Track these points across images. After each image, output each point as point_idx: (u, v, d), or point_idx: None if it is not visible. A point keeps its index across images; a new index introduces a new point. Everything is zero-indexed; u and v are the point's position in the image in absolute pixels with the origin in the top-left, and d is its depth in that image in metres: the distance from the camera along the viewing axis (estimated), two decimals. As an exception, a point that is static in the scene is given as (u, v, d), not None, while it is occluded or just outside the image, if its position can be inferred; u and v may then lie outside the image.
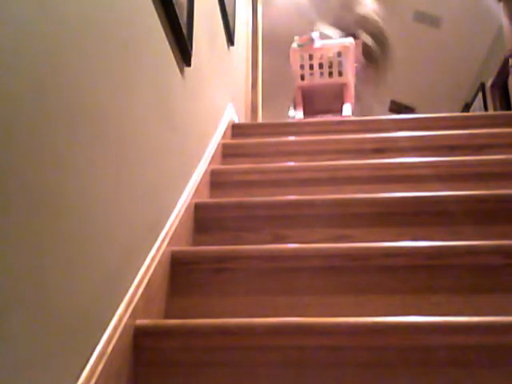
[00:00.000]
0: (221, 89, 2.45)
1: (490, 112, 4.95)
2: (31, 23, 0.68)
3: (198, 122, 1.85)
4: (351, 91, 3.09)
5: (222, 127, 2.32)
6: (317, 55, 3.02)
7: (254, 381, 0.98)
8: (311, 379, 0.98)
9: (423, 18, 5.14)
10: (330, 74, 3.03)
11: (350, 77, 3.02)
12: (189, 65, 1.63)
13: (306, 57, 3.05)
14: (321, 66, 3.03)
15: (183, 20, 1.53)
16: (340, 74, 3.02)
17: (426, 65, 5.51)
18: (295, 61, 3.08)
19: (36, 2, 0.70)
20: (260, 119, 4.11)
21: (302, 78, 3.10)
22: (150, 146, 1.21)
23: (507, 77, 4.47)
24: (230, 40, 2.79)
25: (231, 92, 2.84)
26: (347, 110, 3.01)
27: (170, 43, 1.43)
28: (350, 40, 3.12)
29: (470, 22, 4.78)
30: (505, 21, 2.95)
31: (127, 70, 1.07)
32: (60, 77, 0.76)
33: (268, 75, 4.30)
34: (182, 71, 1.57)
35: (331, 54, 3.01)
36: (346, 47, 3.01)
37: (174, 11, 1.39)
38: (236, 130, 2.60)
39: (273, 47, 4.19)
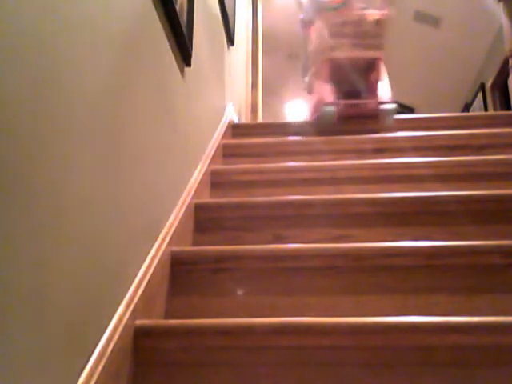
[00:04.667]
0: (221, 89, 2.45)
1: (490, 112, 4.95)
2: (31, 22, 0.68)
3: (198, 122, 1.85)
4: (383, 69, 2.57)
5: (222, 127, 2.32)
6: (351, 22, 2.45)
7: (254, 381, 0.98)
8: (311, 379, 0.98)
9: (423, 18, 5.14)
10: (365, 45, 2.47)
11: (384, 51, 2.52)
12: (189, 65, 1.63)
13: (340, 23, 2.45)
14: (355, 35, 2.47)
15: (183, 20, 1.53)
16: (376, 46, 2.48)
17: (426, 65, 5.52)
18: (325, 27, 2.47)
19: (36, 2, 0.70)
20: (260, 119, 4.11)
21: (334, 48, 2.47)
22: (150, 146, 1.21)
23: (507, 77, 4.46)
24: (230, 40, 2.79)
25: (231, 92, 2.84)
26: (385, 91, 2.45)
27: (170, 43, 1.43)
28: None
29: (470, 22, 4.78)
30: (505, 21, 2.94)
31: (127, 70, 1.07)
32: (60, 77, 0.76)
33: (268, 75, 4.29)
34: (182, 71, 1.57)
35: (368, 22, 2.45)
36: (386, 15, 2.46)
37: (174, 11, 1.39)
38: (236, 130, 2.60)
39: (273, 47, 4.17)
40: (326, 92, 2.45)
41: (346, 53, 2.47)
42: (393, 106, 2.39)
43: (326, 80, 2.50)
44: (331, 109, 2.38)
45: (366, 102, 2.58)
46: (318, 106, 2.51)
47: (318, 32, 2.53)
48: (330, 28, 2.46)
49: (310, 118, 2.72)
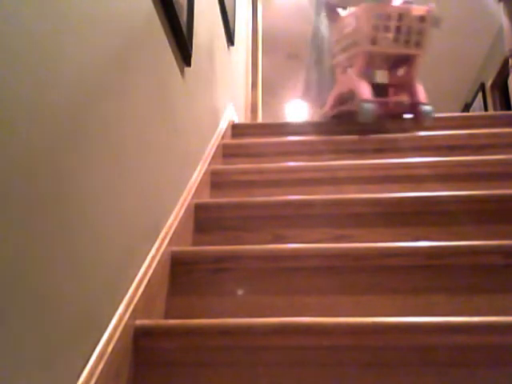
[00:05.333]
0: (221, 89, 2.45)
1: (490, 112, 4.96)
2: (30, 22, 0.68)
3: (198, 122, 1.85)
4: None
5: (222, 127, 2.33)
6: (394, 16, 2.30)
7: (254, 381, 0.98)
8: (311, 379, 0.98)
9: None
10: (407, 42, 2.35)
11: (425, 49, 2.40)
12: (189, 65, 1.63)
13: (384, 16, 2.30)
14: (398, 30, 2.33)
15: (183, 20, 1.53)
16: (418, 44, 2.35)
17: (426, 65, 5.52)
18: (369, 19, 2.30)
19: (36, 1, 0.70)
20: (260, 119, 4.12)
21: (374, 41, 2.32)
22: (150, 146, 1.21)
23: (507, 77, 4.47)
24: (230, 40, 2.80)
25: (231, 92, 2.84)
26: (422, 92, 2.39)
27: (170, 43, 1.43)
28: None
29: (470, 22, 4.78)
30: (505, 21, 2.94)
31: (127, 69, 1.07)
32: (60, 77, 0.76)
33: (268, 75, 4.28)
34: (182, 71, 1.57)
35: (412, 18, 2.32)
36: (431, 12, 2.36)
37: (174, 11, 1.39)
38: (236, 130, 2.60)
39: (273, 47, 4.17)
40: (363, 87, 2.30)
41: (387, 47, 2.34)
42: (430, 107, 2.35)
43: (359, 73, 2.36)
44: (370, 106, 2.25)
45: (403, 102, 2.47)
46: (344, 99, 2.44)
47: (355, 21, 2.40)
48: (370, 19, 2.31)
49: (330, 111, 2.61)
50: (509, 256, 1.23)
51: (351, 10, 2.59)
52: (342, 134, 2.29)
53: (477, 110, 5.42)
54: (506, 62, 4.00)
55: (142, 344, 1.01)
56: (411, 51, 2.37)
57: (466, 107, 5.84)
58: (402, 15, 2.32)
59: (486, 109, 5.21)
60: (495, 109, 5.03)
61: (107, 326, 0.90)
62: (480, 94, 5.38)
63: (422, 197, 1.54)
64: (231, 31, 2.77)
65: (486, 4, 4.24)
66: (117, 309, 0.95)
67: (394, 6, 2.35)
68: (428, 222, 1.49)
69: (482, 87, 5.34)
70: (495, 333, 0.98)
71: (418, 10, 2.35)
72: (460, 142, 2.10)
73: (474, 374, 0.95)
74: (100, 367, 0.82)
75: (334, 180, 1.83)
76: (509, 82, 4.59)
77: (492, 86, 5.14)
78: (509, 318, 0.99)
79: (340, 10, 2.69)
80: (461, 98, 5.85)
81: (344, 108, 2.52)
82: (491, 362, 0.97)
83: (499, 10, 3.08)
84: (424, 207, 1.51)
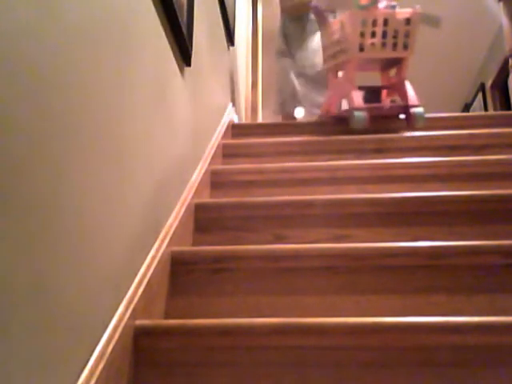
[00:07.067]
0: (221, 89, 2.45)
1: (490, 112, 4.96)
2: (29, 22, 0.68)
3: (198, 122, 1.85)
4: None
5: (222, 127, 2.33)
6: (380, 21, 2.33)
7: (254, 381, 0.98)
8: (311, 379, 0.98)
9: (423, 18, 5.13)
10: (394, 45, 2.37)
11: (413, 51, 2.44)
12: (189, 65, 1.63)
13: (370, 22, 2.33)
14: (384, 34, 2.36)
15: (183, 20, 1.53)
16: (405, 46, 2.38)
17: (426, 65, 5.52)
18: (355, 27, 2.34)
19: (35, 1, 0.70)
20: (260, 119, 4.12)
21: (362, 48, 2.35)
22: (150, 146, 1.21)
23: (507, 77, 4.48)
24: (230, 40, 2.80)
25: (231, 92, 2.85)
26: (412, 93, 2.40)
27: (169, 43, 1.43)
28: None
29: (470, 21, 4.78)
30: (505, 21, 2.95)
31: (127, 70, 1.07)
32: (59, 78, 0.76)
33: (268, 75, 4.28)
34: (182, 71, 1.57)
35: (398, 21, 2.35)
36: (416, 14, 2.38)
37: (174, 11, 1.39)
38: (236, 129, 2.60)
39: (273, 47, 4.18)
40: (355, 94, 2.35)
41: (375, 53, 2.40)
42: (422, 109, 2.36)
43: (350, 80, 2.41)
44: (362, 114, 2.30)
45: (395, 104, 2.52)
46: (335, 103, 2.52)
47: (342, 29, 2.44)
48: (356, 27, 2.35)
49: (325, 113, 2.67)
50: (508, 256, 1.23)
51: (339, 15, 2.63)
52: (341, 133, 2.29)
53: (477, 110, 5.43)
54: (506, 62, 4.00)
55: (141, 344, 1.01)
56: (399, 54, 2.41)
57: (466, 107, 5.85)
58: (387, 20, 2.35)
59: (485, 109, 5.22)
60: (495, 109, 5.04)
61: (107, 326, 0.90)
62: (480, 94, 5.38)
63: (422, 197, 1.54)
64: (231, 31, 2.77)
65: (486, 4, 4.25)
66: (117, 309, 0.95)
67: (379, 12, 2.37)
68: (428, 222, 1.49)
69: (482, 87, 5.34)
70: (495, 333, 0.98)
71: (403, 13, 2.38)
72: (460, 142, 2.10)
73: (474, 374, 0.95)
74: (100, 367, 0.82)
75: (333, 180, 1.83)
76: (509, 81, 4.60)
77: (492, 86, 5.14)
78: (509, 318, 0.99)
79: (328, 15, 2.73)
80: (461, 98, 5.85)
81: (337, 114, 2.58)
82: (491, 362, 0.97)
83: (499, 10, 3.08)
84: (424, 207, 1.51)
